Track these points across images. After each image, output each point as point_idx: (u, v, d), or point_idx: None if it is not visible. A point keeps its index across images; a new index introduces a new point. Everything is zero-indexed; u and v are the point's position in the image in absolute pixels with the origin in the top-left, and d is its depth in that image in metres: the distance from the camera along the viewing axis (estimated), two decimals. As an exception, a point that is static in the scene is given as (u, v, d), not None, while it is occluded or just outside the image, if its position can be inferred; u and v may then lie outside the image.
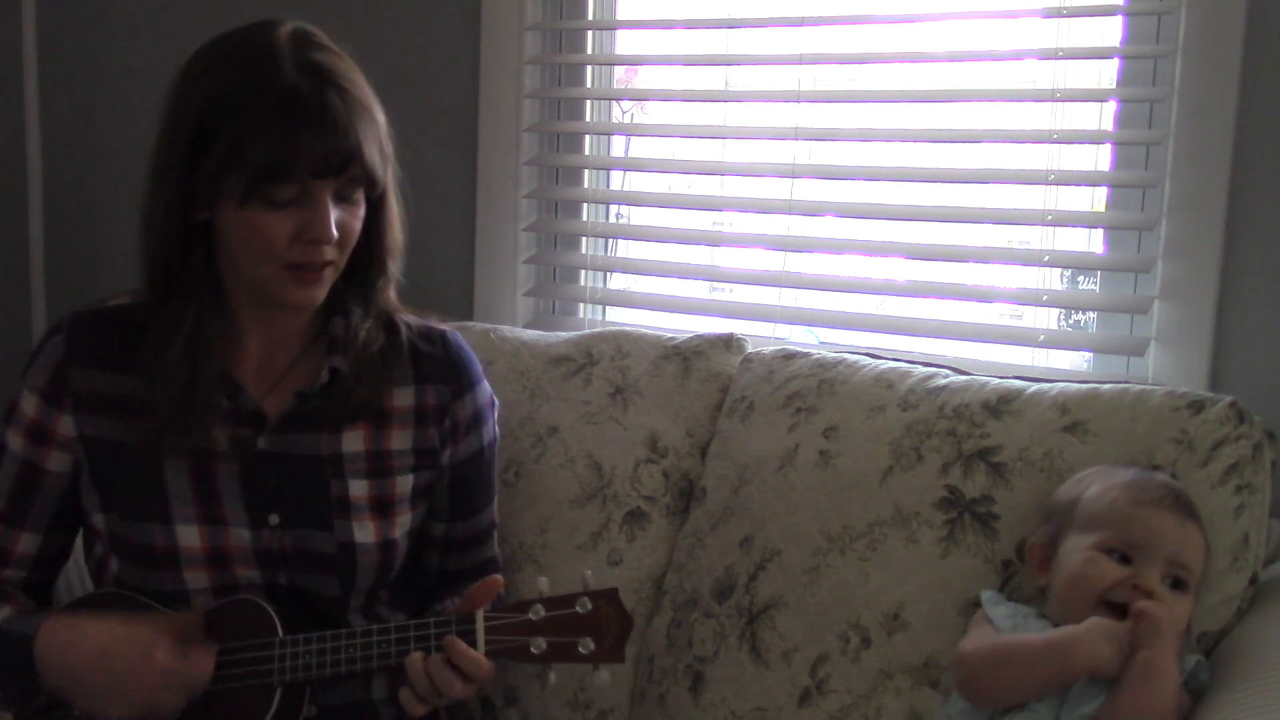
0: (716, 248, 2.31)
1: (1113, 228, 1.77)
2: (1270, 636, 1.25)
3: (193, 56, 1.33)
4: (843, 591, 1.44)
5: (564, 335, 1.87)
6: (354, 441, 1.41)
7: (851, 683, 1.40)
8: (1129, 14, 1.70)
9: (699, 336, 1.77)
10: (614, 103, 2.22)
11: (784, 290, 1.95)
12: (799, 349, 1.70)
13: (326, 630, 1.32)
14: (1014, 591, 1.36)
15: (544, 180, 2.14)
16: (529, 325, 2.10)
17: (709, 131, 2.07)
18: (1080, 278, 1.93)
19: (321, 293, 1.35)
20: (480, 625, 1.26)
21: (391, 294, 1.46)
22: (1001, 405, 1.45)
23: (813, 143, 1.92)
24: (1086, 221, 1.85)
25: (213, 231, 1.33)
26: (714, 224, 2.33)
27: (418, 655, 1.27)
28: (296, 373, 1.41)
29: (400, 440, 1.44)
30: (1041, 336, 1.84)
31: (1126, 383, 1.47)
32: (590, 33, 2.12)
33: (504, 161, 2.09)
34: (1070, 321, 2.05)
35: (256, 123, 1.24)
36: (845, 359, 1.63)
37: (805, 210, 1.92)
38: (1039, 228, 1.82)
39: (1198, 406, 1.36)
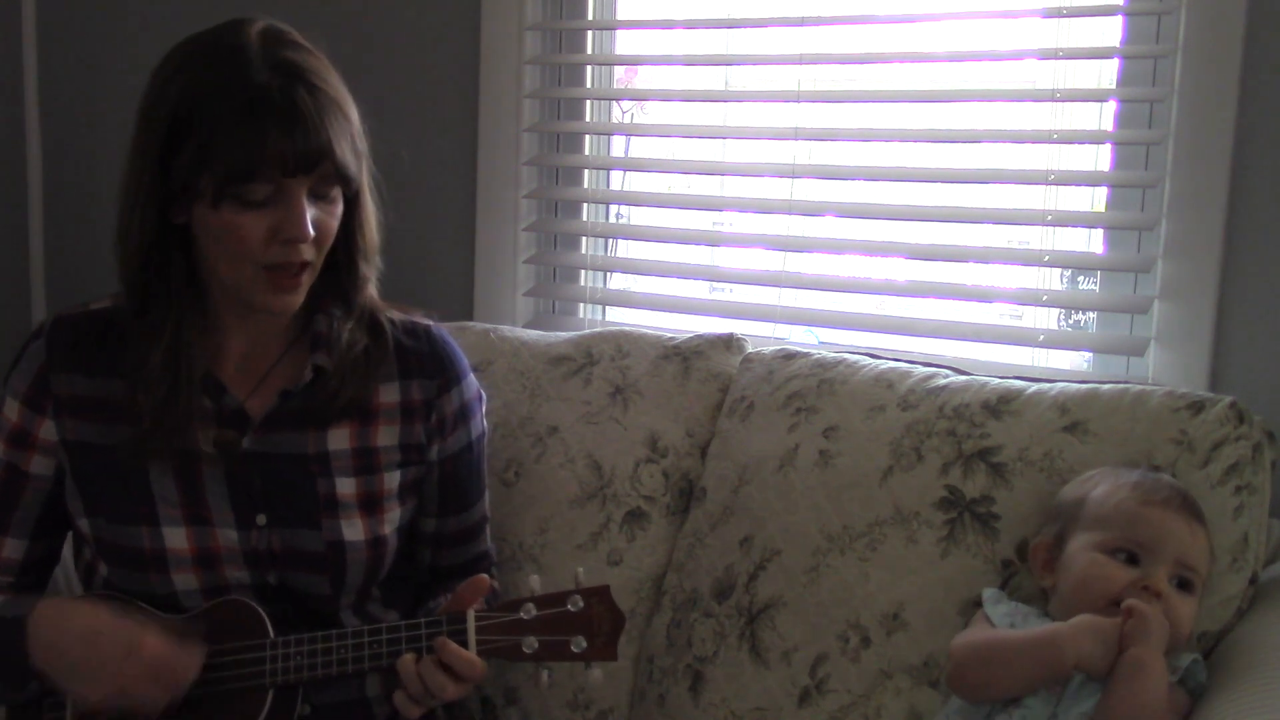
0: (716, 248, 2.31)
1: (1113, 228, 1.77)
2: (1270, 636, 1.25)
3: (165, 57, 1.33)
4: (842, 591, 1.44)
5: (564, 335, 1.87)
6: (340, 439, 1.41)
7: (851, 682, 1.40)
8: (1129, 14, 1.70)
9: (699, 336, 1.77)
10: (614, 103, 2.22)
11: (784, 290, 1.95)
12: (799, 349, 1.70)
13: (318, 629, 1.32)
14: (1014, 591, 1.36)
15: (544, 180, 2.14)
16: (529, 325, 2.10)
17: (709, 131, 2.07)
18: (1080, 278, 1.93)
19: (298, 299, 1.34)
20: (471, 625, 1.26)
21: (372, 291, 1.45)
22: (1001, 405, 1.45)
23: (813, 143, 1.92)
24: (1086, 221, 1.85)
25: (191, 234, 1.32)
26: (714, 224, 2.33)
27: (409, 657, 1.26)
28: (280, 372, 1.41)
29: (386, 436, 1.44)
30: (1041, 336, 1.84)
31: (1126, 383, 1.47)
32: (590, 33, 2.12)
33: (504, 161, 2.09)
34: (1070, 321, 2.05)
35: (225, 122, 1.24)
36: (845, 359, 1.63)
37: (805, 210, 1.92)
38: (1039, 228, 1.82)
39: (1197, 407, 1.36)
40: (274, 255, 1.29)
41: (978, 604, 1.33)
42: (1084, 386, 1.44)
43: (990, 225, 1.86)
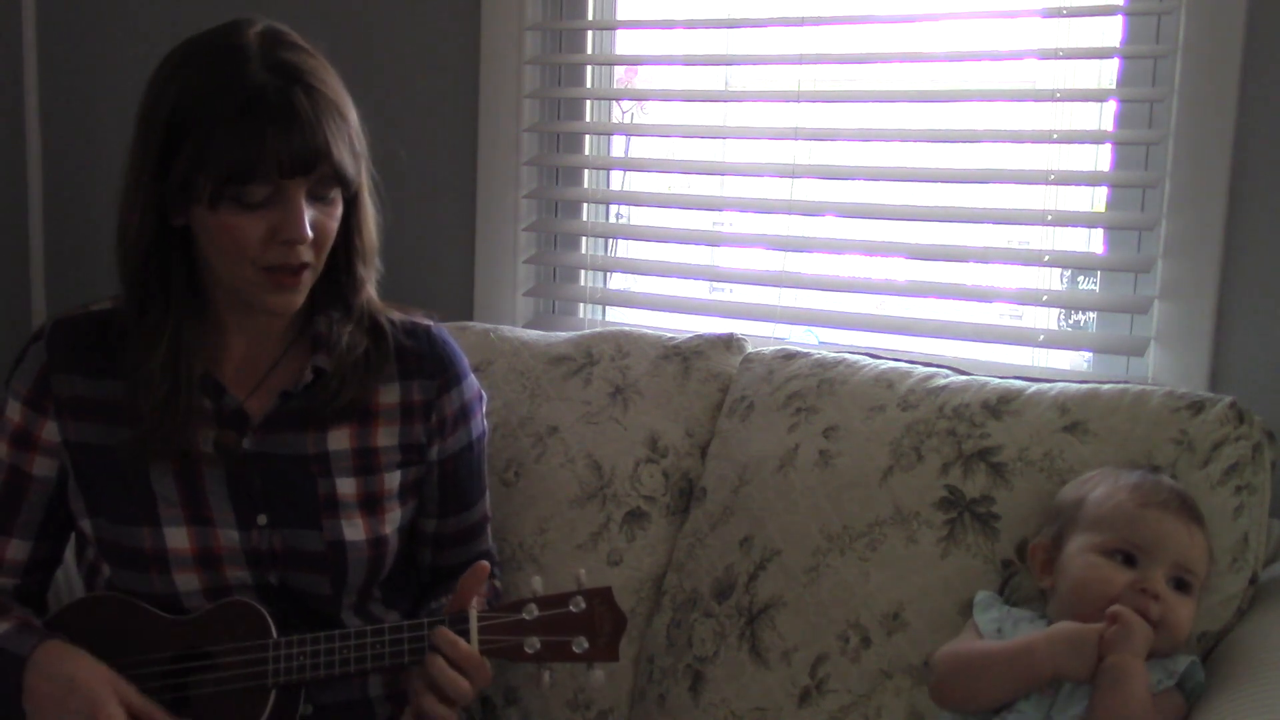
0: (716, 248, 2.31)
1: (1113, 228, 1.77)
2: (1270, 636, 1.25)
3: (164, 59, 1.33)
4: (842, 591, 1.44)
5: (564, 335, 1.87)
6: (340, 439, 1.41)
7: (851, 682, 1.40)
8: (1129, 14, 1.70)
9: (699, 336, 1.77)
10: (614, 103, 2.22)
11: (784, 290, 1.95)
12: (799, 349, 1.70)
13: (319, 629, 1.32)
14: (1014, 591, 1.36)
15: (544, 180, 2.14)
16: (529, 325, 2.10)
17: (709, 131, 2.07)
18: (1080, 278, 1.93)
19: (299, 298, 1.34)
20: (474, 624, 1.26)
21: (372, 293, 1.45)
22: (1001, 405, 1.45)
23: (813, 143, 1.92)
24: (1086, 221, 1.85)
25: (190, 236, 1.32)
26: (714, 224, 2.33)
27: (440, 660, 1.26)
28: (280, 372, 1.41)
29: (386, 436, 1.44)
30: (1041, 336, 1.84)
31: (1126, 383, 1.47)
32: (590, 33, 2.12)
33: (504, 161, 2.09)
34: (1070, 321, 2.05)
35: (222, 123, 1.24)
36: (845, 359, 1.63)
37: (805, 210, 1.92)
38: (1039, 228, 1.82)
39: (1197, 407, 1.36)
40: (272, 256, 1.29)
41: (978, 604, 1.33)
42: (1084, 386, 1.44)
43: (990, 225, 1.86)
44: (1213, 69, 1.58)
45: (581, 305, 2.15)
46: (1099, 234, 1.85)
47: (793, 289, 1.94)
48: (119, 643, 1.34)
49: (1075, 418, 1.40)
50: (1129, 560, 1.22)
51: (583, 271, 2.15)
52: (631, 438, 1.69)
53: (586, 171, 2.15)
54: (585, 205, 2.15)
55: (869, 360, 1.61)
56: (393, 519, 1.45)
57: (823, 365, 1.62)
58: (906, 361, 1.60)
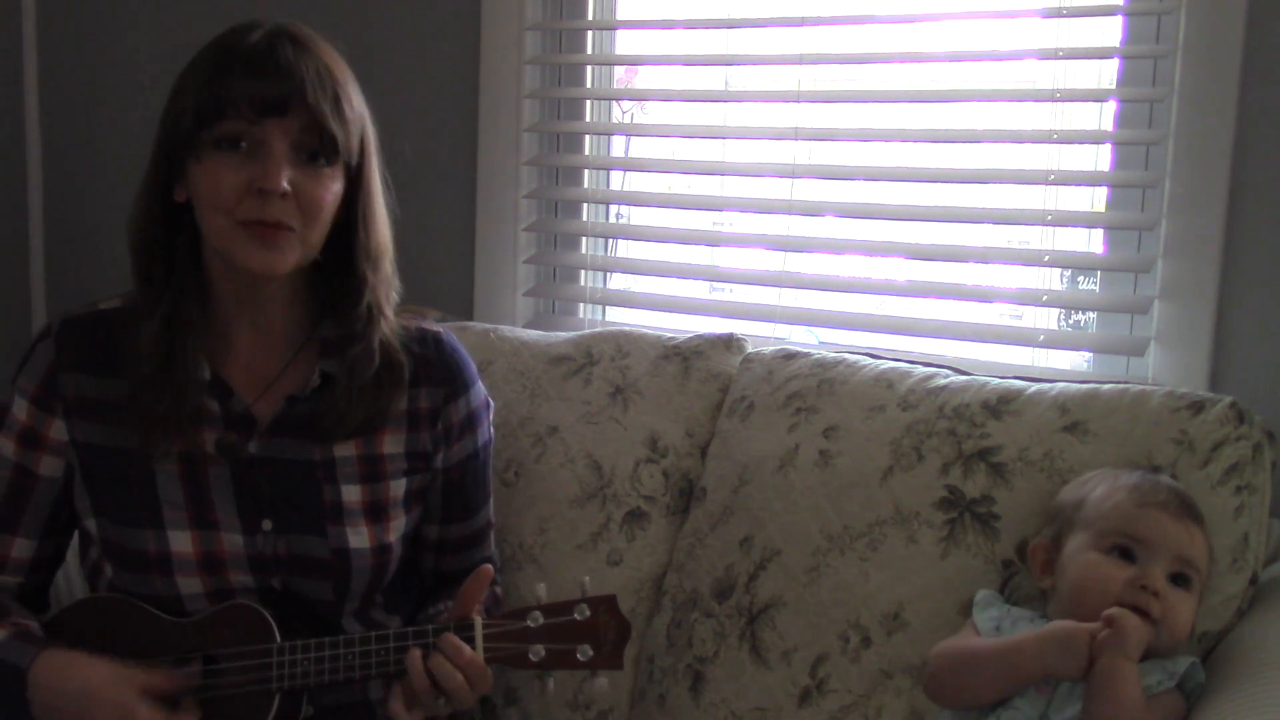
0: (716, 248, 2.31)
1: (1113, 228, 1.77)
2: (1270, 636, 1.25)
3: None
4: (843, 591, 1.44)
5: (564, 335, 1.87)
6: (346, 446, 1.40)
7: (851, 682, 1.40)
8: (1129, 14, 1.70)
9: (699, 336, 1.77)
10: (614, 103, 2.22)
11: (784, 290, 1.95)
12: (799, 349, 1.70)
13: (320, 634, 1.32)
14: (1015, 591, 1.36)
15: (544, 180, 2.14)
16: (529, 325, 2.10)
17: (709, 131, 2.07)
18: (1080, 278, 1.93)
19: (281, 259, 1.30)
20: (479, 631, 1.26)
21: (384, 305, 1.41)
22: (1001, 405, 1.45)
23: (813, 143, 1.92)
24: (1086, 221, 1.85)
25: (194, 217, 1.33)
26: (714, 224, 2.32)
27: (417, 652, 1.26)
28: (288, 376, 1.40)
29: (393, 444, 1.43)
30: (1041, 336, 1.84)
31: (1126, 383, 1.47)
32: (590, 33, 2.12)
33: (504, 161, 2.09)
34: (1070, 321, 2.05)
35: (204, 71, 1.29)
36: (845, 359, 1.63)
37: (805, 210, 1.92)
38: (1039, 228, 1.82)
39: (1198, 407, 1.36)
40: (248, 208, 1.28)
41: (979, 605, 1.33)
42: (1084, 387, 1.44)
43: (990, 225, 1.86)
44: (1213, 69, 1.58)
45: (581, 305, 2.15)
46: (1099, 234, 1.85)
47: (793, 289, 1.94)
48: (120, 644, 1.33)
49: (1075, 418, 1.40)
50: (1128, 556, 1.22)
51: (583, 271, 2.14)
52: (631, 438, 1.69)
53: (586, 171, 2.14)
54: (585, 205, 2.15)
55: (869, 360, 1.61)
56: (397, 526, 1.44)
57: (823, 365, 1.62)
58: (906, 361, 1.61)
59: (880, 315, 1.97)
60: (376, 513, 1.42)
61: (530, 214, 2.13)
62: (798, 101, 1.91)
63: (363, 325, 1.39)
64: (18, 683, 1.28)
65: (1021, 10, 1.78)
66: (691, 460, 1.68)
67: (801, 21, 1.88)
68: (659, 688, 1.56)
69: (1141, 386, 1.43)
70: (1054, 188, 1.75)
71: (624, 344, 1.78)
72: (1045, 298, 1.81)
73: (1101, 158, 1.85)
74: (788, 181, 1.91)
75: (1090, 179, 1.86)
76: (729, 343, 1.75)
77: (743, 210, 2.14)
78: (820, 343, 1.91)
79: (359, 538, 1.40)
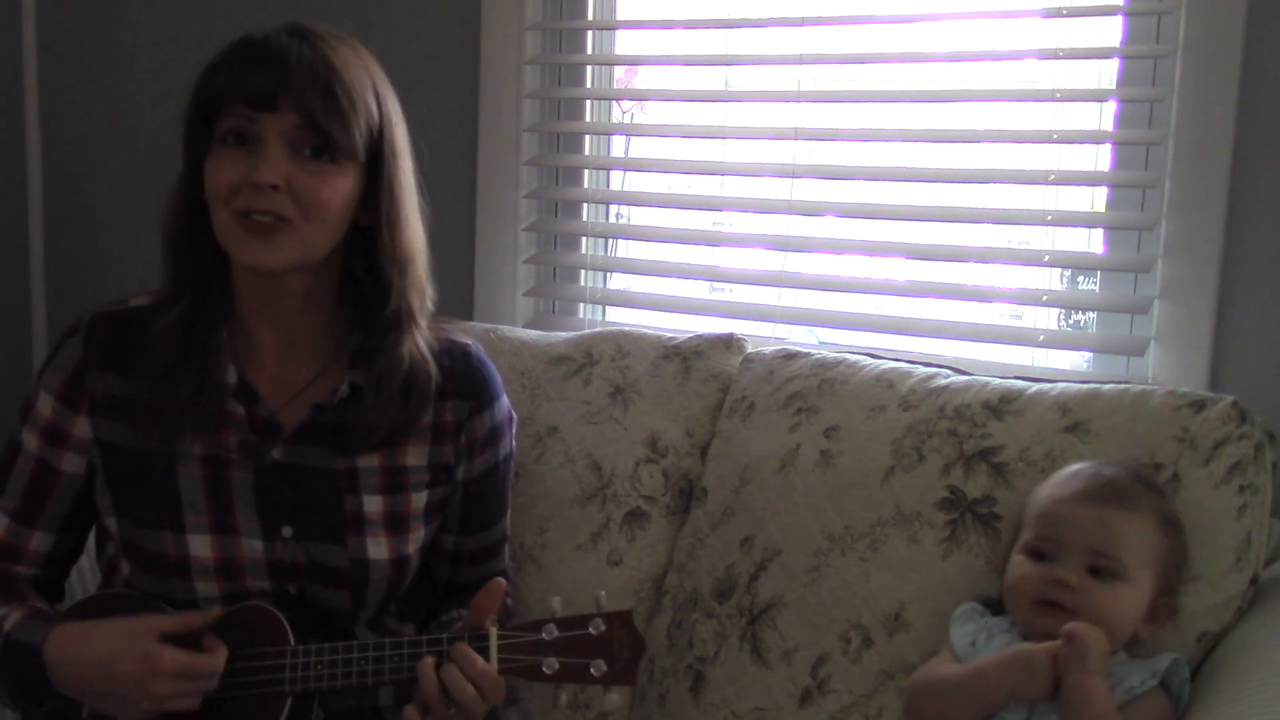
0: (716, 248, 2.31)
1: (1113, 228, 1.77)
2: (1270, 636, 1.25)
3: None
4: (844, 591, 1.44)
5: (564, 335, 1.87)
6: (369, 456, 1.40)
7: (852, 683, 1.40)
8: (1129, 14, 1.70)
9: (699, 336, 1.77)
10: (614, 103, 2.22)
11: (784, 290, 1.95)
12: (799, 349, 1.70)
13: (332, 639, 1.31)
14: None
15: (544, 180, 2.14)
16: (529, 325, 2.10)
17: (709, 131, 2.07)
18: (1080, 278, 1.93)
19: (274, 254, 1.29)
20: (494, 643, 1.25)
21: (415, 304, 1.39)
22: (1002, 405, 1.45)
23: (813, 143, 1.92)
24: (1086, 221, 1.85)
25: None
26: (714, 224, 2.32)
27: (429, 660, 1.25)
28: (316, 385, 1.39)
29: (416, 456, 1.42)
30: (1041, 336, 1.84)
31: (1127, 383, 1.47)
32: (590, 33, 2.12)
33: (504, 161, 2.09)
34: (1070, 321, 2.05)
35: (208, 67, 1.31)
36: (846, 359, 1.63)
37: (805, 210, 1.92)
38: (1039, 228, 1.82)
39: (1199, 405, 1.36)
40: (240, 199, 1.28)
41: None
42: (1085, 387, 1.44)
43: (990, 225, 1.86)
44: (1213, 69, 1.58)
45: (581, 305, 2.15)
46: (1099, 234, 1.85)
47: (793, 289, 1.94)
48: None
49: (1076, 418, 1.40)
50: (1043, 554, 1.24)
51: (583, 271, 2.14)
52: (631, 438, 1.69)
53: (586, 171, 2.14)
54: (585, 205, 2.15)
55: (869, 360, 1.61)
56: (416, 538, 1.44)
57: (823, 365, 1.62)
58: (907, 361, 1.61)
59: (880, 315, 1.97)
60: (397, 524, 1.41)
61: (530, 214, 2.13)
62: (798, 101, 1.91)
63: (392, 333, 1.37)
64: (36, 661, 1.28)
65: (1021, 10, 1.77)
66: (691, 460, 1.68)
67: (801, 21, 1.88)
68: (659, 688, 1.56)
69: (1142, 386, 1.43)
70: (1054, 188, 1.75)
71: (624, 344, 1.78)
72: (1045, 298, 1.81)
73: (1101, 158, 1.85)
74: (788, 181, 1.91)
75: (1090, 179, 1.86)
76: (729, 343, 1.75)
77: (743, 210, 2.14)
78: (820, 343, 1.91)
79: (378, 548, 1.39)
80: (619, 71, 2.20)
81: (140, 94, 2.39)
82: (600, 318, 2.13)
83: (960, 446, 1.44)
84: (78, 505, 1.41)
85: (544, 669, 1.25)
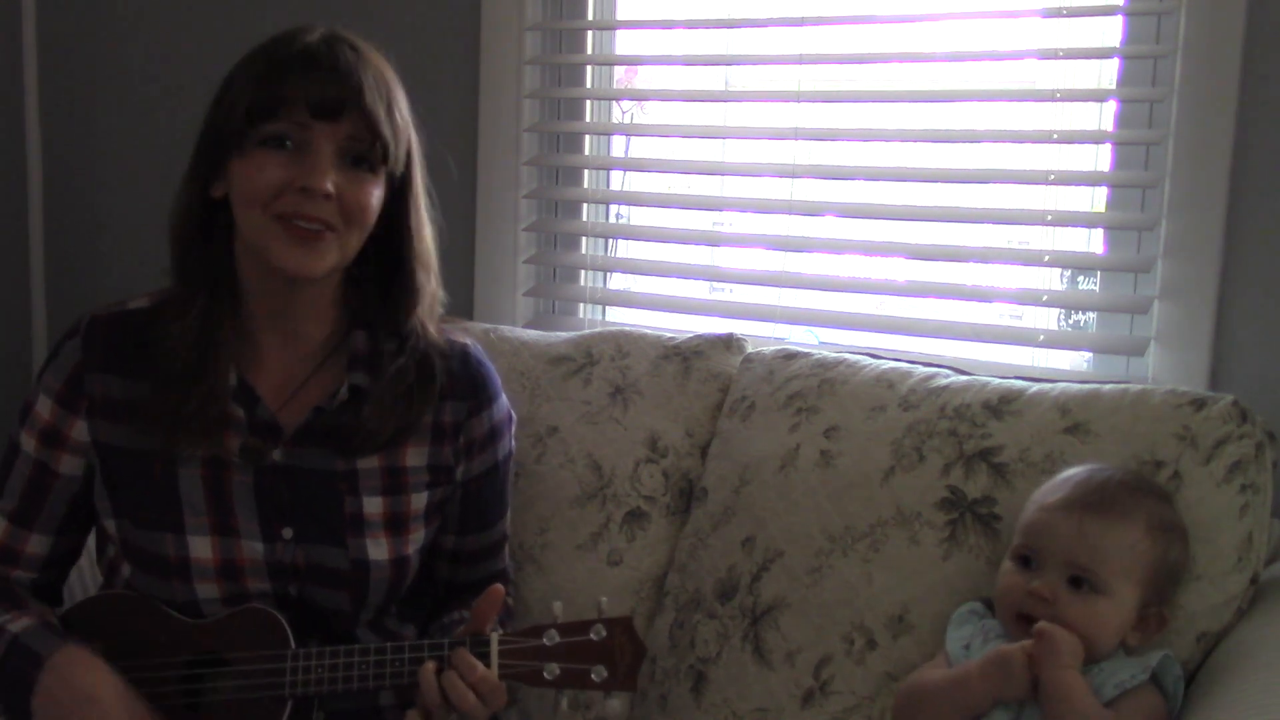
0: (716, 248, 2.31)
1: (1113, 228, 1.77)
2: (1270, 636, 1.25)
3: None
4: (846, 592, 1.44)
5: (564, 335, 1.87)
6: (369, 458, 1.40)
7: (855, 684, 1.40)
8: (1129, 14, 1.70)
9: (699, 336, 1.77)
10: (614, 103, 2.22)
11: (784, 290, 1.95)
12: (799, 349, 1.70)
13: (334, 641, 1.31)
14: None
15: (544, 180, 2.14)
16: (529, 325, 2.10)
17: (709, 131, 2.07)
18: (1080, 278, 1.93)
19: (319, 262, 1.30)
20: (495, 648, 1.25)
21: (424, 311, 1.41)
22: (1003, 405, 1.45)
23: (813, 143, 1.92)
24: (1086, 221, 1.85)
25: (231, 217, 1.33)
26: (714, 224, 2.33)
27: (430, 665, 1.25)
28: (316, 387, 1.39)
29: (415, 457, 1.43)
30: (1041, 336, 1.84)
31: (1127, 383, 1.47)
32: (590, 33, 2.12)
33: (504, 161, 2.09)
34: (1070, 321, 2.05)
35: (257, 67, 1.30)
36: (846, 359, 1.63)
37: (805, 210, 1.92)
38: (1039, 228, 1.82)
39: (1199, 404, 1.36)
40: (286, 203, 1.27)
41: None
42: (1085, 387, 1.44)
43: (990, 225, 1.86)
44: (1213, 69, 1.58)
45: (581, 305, 2.15)
46: (1099, 234, 1.85)
47: (793, 289, 1.94)
48: (134, 643, 1.33)
49: (1077, 418, 1.40)
50: (1027, 563, 1.24)
51: (583, 271, 2.14)
52: (631, 438, 1.69)
53: (586, 171, 2.14)
54: (585, 205, 2.15)
55: (869, 360, 1.61)
56: (416, 539, 1.44)
57: (823, 365, 1.62)
58: (907, 361, 1.60)
59: (880, 315, 1.97)
60: (397, 525, 1.41)
61: (530, 214, 2.13)
62: (797, 101, 1.91)
63: (412, 337, 1.39)
64: (31, 668, 1.27)
65: (1021, 10, 1.78)
66: (692, 460, 1.68)
67: (801, 21, 1.88)
68: (660, 688, 1.56)
69: (1142, 386, 1.43)
70: (1054, 188, 1.75)
71: (624, 344, 1.78)
72: (1045, 298, 1.81)
73: (1101, 158, 1.85)
74: (787, 181, 1.91)
75: (1090, 179, 1.86)
76: (729, 343, 1.75)
77: (743, 210, 2.14)
78: (820, 343, 1.91)
79: (378, 550, 1.39)
80: (619, 71, 2.20)
81: (140, 94, 2.39)
82: (600, 318, 2.13)
83: (960, 447, 1.44)
84: (75, 507, 1.41)
85: (545, 674, 1.25)
